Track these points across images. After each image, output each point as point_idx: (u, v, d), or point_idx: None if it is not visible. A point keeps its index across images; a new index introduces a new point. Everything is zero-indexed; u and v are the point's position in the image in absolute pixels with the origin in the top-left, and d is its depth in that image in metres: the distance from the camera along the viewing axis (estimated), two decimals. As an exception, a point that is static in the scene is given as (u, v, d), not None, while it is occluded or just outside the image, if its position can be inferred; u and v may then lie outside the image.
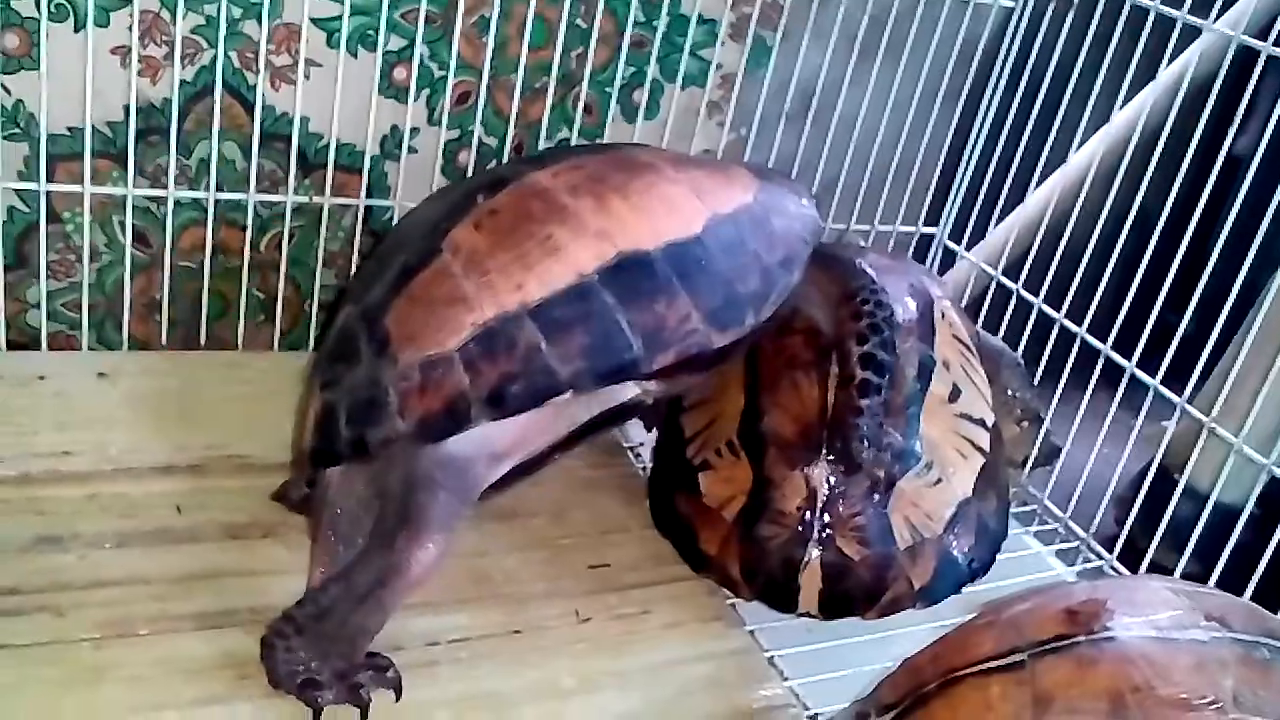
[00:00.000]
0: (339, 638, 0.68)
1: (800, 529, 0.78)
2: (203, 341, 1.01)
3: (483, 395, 0.70)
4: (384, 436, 0.70)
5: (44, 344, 0.98)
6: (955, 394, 0.85)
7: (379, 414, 0.70)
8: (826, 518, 0.78)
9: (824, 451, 0.79)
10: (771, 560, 0.79)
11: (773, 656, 0.81)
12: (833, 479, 0.79)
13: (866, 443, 0.78)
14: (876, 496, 0.78)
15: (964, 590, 0.82)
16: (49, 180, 0.94)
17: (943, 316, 0.88)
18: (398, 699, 0.68)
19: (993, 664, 0.57)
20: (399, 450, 0.71)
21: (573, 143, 1.09)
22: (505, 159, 1.07)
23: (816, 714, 0.76)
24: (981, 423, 0.84)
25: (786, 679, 0.79)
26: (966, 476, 0.82)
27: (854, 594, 0.78)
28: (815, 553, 0.78)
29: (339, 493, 0.74)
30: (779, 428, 0.81)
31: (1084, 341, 0.99)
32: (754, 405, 0.83)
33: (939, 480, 0.80)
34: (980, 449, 0.83)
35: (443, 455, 0.71)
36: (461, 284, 0.71)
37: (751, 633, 0.82)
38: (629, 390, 0.77)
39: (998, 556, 0.85)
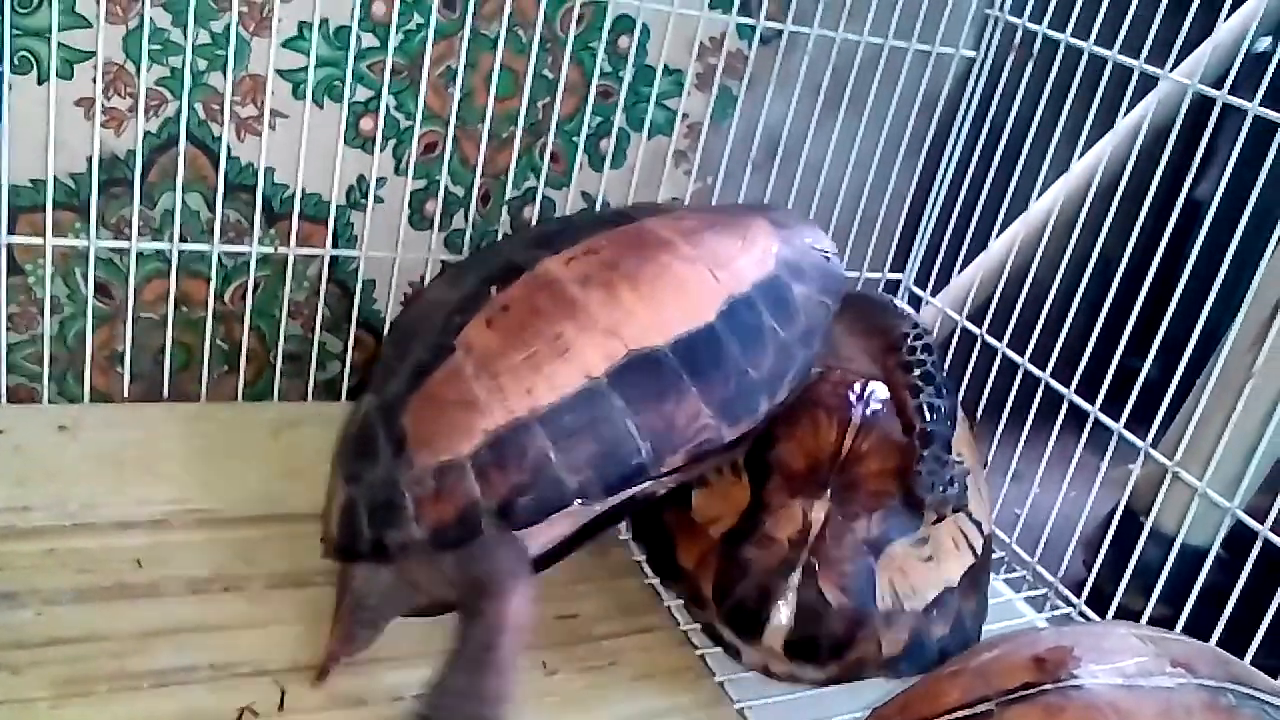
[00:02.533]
0: (479, 716, 0.68)
1: (785, 560, 0.77)
2: (165, 393, 1.00)
3: (493, 507, 0.70)
4: (401, 541, 0.70)
5: (3, 396, 0.96)
6: None
7: (396, 517, 0.70)
8: (815, 556, 0.77)
9: (828, 492, 0.79)
10: (748, 583, 0.78)
11: (743, 709, 0.80)
12: (832, 521, 0.78)
13: (932, 489, 0.78)
14: (869, 551, 0.78)
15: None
16: (10, 232, 0.93)
17: (960, 419, 0.88)
18: None
19: (960, 713, 0.56)
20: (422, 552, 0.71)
21: (539, 192, 1.10)
22: (471, 209, 1.07)
23: (787, 765, 0.75)
24: (979, 525, 0.84)
25: (756, 730, 0.78)
26: (955, 567, 0.81)
27: (821, 641, 0.77)
28: (794, 586, 0.77)
29: (364, 580, 0.75)
30: (788, 458, 0.81)
31: (1048, 386, 1.00)
32: (767, 432, 0.82)
33: (930, 558, 0.80)
34: (973, 548, 0.83)
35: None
36: (473, 386, 0.71)
37: (721, 684, 0.82)
38: (641, 485, 0.76)
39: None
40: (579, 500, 0.71)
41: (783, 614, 0.77)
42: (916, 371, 0.80)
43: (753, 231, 0.83)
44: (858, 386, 0.86)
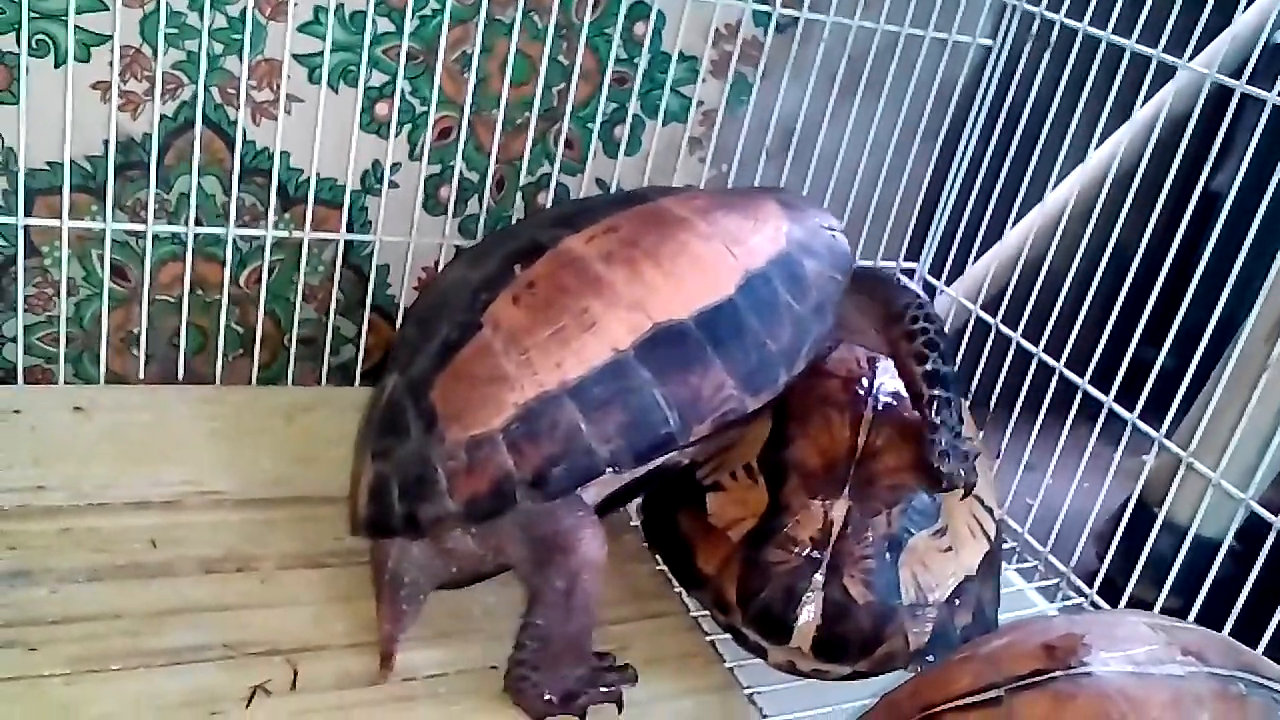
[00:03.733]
0: (565, 653, 0.73)
1: (809, 560, 0.77)
2: (180, 376, 1.01)
3: (527, 478, 0.71)
4: (435, 515, 0.72)
5: (20, 378, 0.97)
6: None
7: (429, 491, 0.72)
8: (838, 555, 0.77)
9: (847, 490, 0.79)
10: (773, 586, 0.78)
11: (752, 694, 0.80)
12: (852, 518, 0.78)
13: (948, 457, 0.79)
14: (891, 546, 0.78)
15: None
16: (28, 214, 0.94)
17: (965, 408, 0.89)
18: (634, 682, 0.75)
19: (971, 699, 0.56)
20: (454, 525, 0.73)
21: (553, 178, 1.10)
22: (486, 194, 1.07)
23: (796, 751, 0.75)
24: (990, 511, 0.84)
25: (766, 716, 0.78)
26: (973, 555, 0.81)
27: (851, 638, 0.77)
28: (820, 586, 0.77)
29: (398, 557, 0.76)
30: (804, 458, 0.81)
31: (1062, 376, 0.99)
32: (780, 433, 0.83)
33: (950, 549, 0.80)
34: (987, 535, 0.83)
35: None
36: (502, 362, 0.73)
37: (731, 670, 0.82)
38: (669, 454, 0.77)
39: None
40: (610, 469, 0.72)
41: (809, 614, 0.76)
42: (920, 340, 0.81)
43: (763, 211, 0.84)
44: (865, 381, 0.86)
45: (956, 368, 0.83)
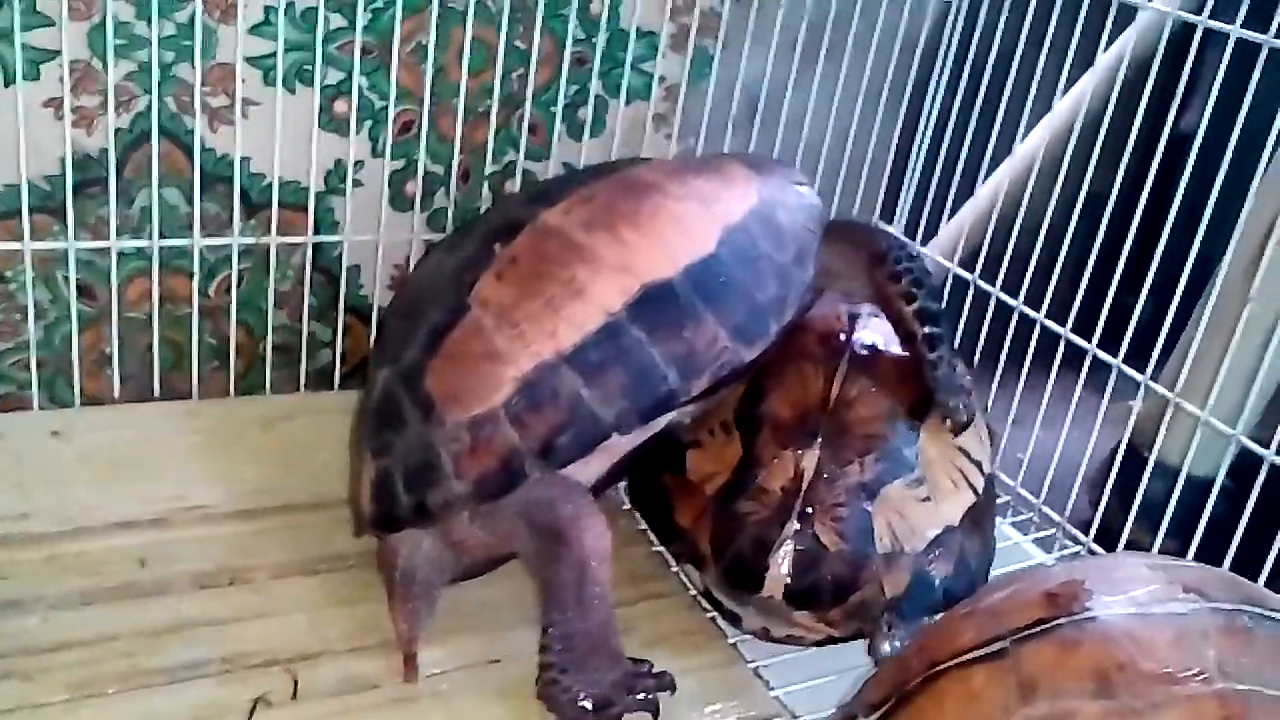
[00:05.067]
0: (592, 651, 0.71)
1: (780, 509, 0.77)
2: (156, 392, 0.99)
3: (534, 448, 0.71)
4: (444, 499, 0.71)
5: (-7, 406, 0.96)
6: None
7: (435, 477, 0.71)
8: (809, 503, 0.77)
9: (818, 440, 0.79)
10: (744, 537, 0.78)
11: (757, 667, 0.80)
12: (824, 468, 0.78)
13: (951, 389, 0.79)
14: (864, 495, 0.78)
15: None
16: (-12, 239, 0.92)
17: None
18: (672, 693, 0.73)
19: (975, 653, 0.56)
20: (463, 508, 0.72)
21: (519, 165, 1.09)
22: (452, 186, 1.06)
23: (804, 721, 0.75)
24: (979, 465, 0.84)
25: (772, 689, 0.78)
26: (955, 506, 0.81)
27: (823, 585, 0.77)
28: (791, 535, 0.77)
29: (408, 554, 0.75)
30: (777, 410, 0.81)
31: (1044, 327, 0.99)
32: (755, 389, 0.83)
33: (928, 499, 0.79)
34: (973, 487, 0.82)
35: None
36: (495, 339, 0.73)
37: (734, 645, 0.82)
38: (668, 416, 0.77)
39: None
40: (616, 431, 0.72)
41: (781, 563, 0.76)
42: (907, 279, 0.81)
43: (731, 172, 0.84)
44: (842, 335, 0.86)
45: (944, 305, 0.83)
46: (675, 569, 0.87)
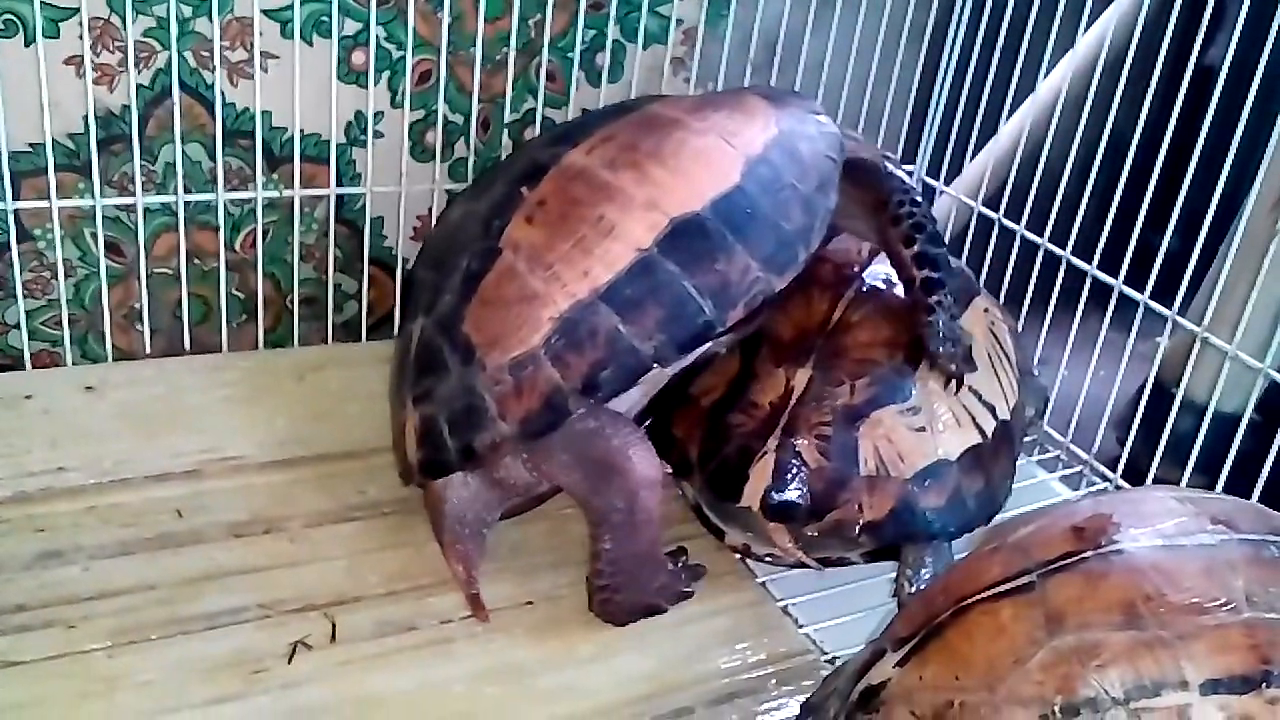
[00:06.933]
0: (640, 569, 0.76)
1: (766, 423, 0.79)
2: (187, 346, 1.01)
3: (577, 386, 0.72)
4: (490, 441, 0.73)
5: (27, 363, 0.97)
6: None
7: (480, 419, 0.73)
8: (795, 418, 0.78)
9: (813, 358, 0.80)
10: (730, 446, 0.79)
11: (786, 606, 0.81)
12: (815, 386, 0.79)
13: (941, 337, 0.79)
14: (852, 416, 0.79)
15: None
16: (15, 198, 0.93)
17: (985, 311, 0.88)
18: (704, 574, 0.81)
19: (1003, 587, 0.56)
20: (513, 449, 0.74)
21: (538, 113, 1.08)
22: (472, 135, 1.06)
23: (835, 657, 0.76)
24: (991, 409, 0.83)
25: (802, 626, 0.79)
26: (954, 441, 0.80)
27: (799, 501, 0.78)
28: (773, 448, 0.78)
29: (455, 499, 0.77)
30: (778, 330, 0.83)
31: (1070, 265, 0.98)
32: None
33: (923, 429, 0.80)
34: (980, 429, 0.82)
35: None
36: (530, 281, 0.73)
37: (763, 584, 0.83)
38: (706, 346, 0.78)
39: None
40: (656, 364, 0.74)
41: (760, 475, 0.78)
42: (907, 223, 0.82)
43: (748, 105, 0.84)
44: (856, 267, 0.87)
45: (962, 263, 0.82)
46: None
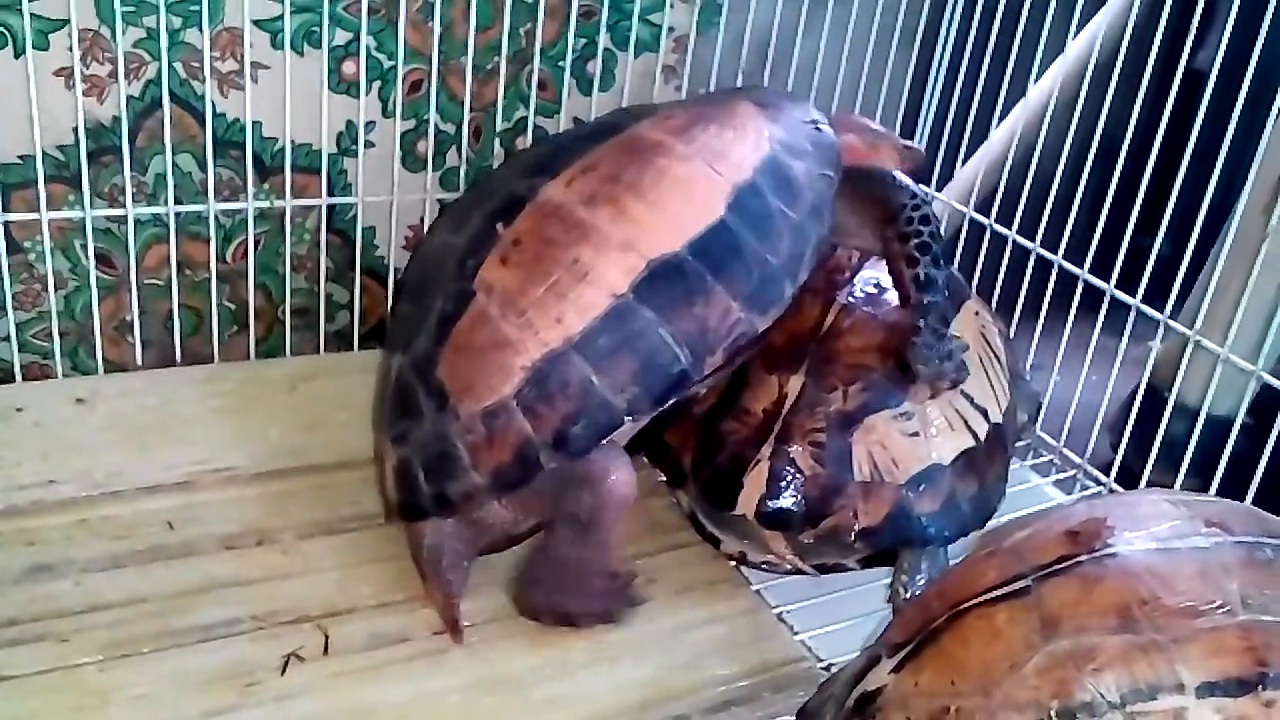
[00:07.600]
0: (577, 577, 0.76)
1: (759, 430, 0.79)
2: (178, 358, 1.00)
3: (548, 440, 0.71)
4: (464, 491, 0.72)
5: (18, 375, 0.96)
6: None
7: (453, 468, 0.72)
8: (789, 426, 0.78)
9: (805, 365, 0.80)
10: (723, 454, 0.79)
11: (781, 613, 0.81)
12: (808, 393, 0.79)
13: (928, 360, 0.78)
14: (846, 422, 0.78)
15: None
16: (5, 210, 0.93)
17: (975, 314, 0.88)
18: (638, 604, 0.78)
19: (998, 592, 0.56)
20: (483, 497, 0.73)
21: (530, 122, 1.08)
22: (464, 145, 1.06)
23: (830, 664, 0.76)
24: (983, 412, 0.83)
25: (797, 633, 0.79)
26: (948, 446, 0.80)
27: (794, 508, 0.78)
28: (767, 455, 0.78)
29: (434, 536, 0.76)
30: (771, 337, 0.81)
31: (1062, 269, 0.99)
32: None
33: (916, 433, 0.80)
34: (973, 432, 0.82)
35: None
36: (502, 327, 0.71)
37: (758, 592, 0.82)
38: (685, 391, 0.77)
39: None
40: (629, 418, 0.72)
41: (754, 483, 0.78)
42: (913, 242, 0.79)
43: (740, 117, 0.81)
44: (847, 272, 0.86)
45: (953, 268, 0.82)
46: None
